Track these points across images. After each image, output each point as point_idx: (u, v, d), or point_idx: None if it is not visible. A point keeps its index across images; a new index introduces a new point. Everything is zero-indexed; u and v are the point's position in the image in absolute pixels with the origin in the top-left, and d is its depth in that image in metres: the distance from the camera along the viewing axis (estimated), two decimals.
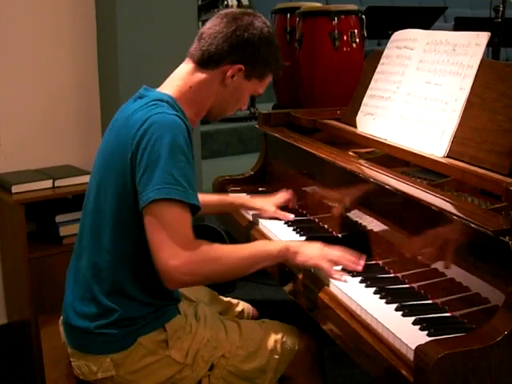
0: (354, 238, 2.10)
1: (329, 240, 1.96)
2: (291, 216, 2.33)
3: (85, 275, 1.90)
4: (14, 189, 3.01)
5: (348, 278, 1.83)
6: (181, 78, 1.94)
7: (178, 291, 1.97)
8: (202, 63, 1.92)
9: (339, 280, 1.81)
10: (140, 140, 1.74)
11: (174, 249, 1.70)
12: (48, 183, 3.09)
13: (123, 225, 1.83)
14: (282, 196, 2.40)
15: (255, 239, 2.28)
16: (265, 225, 2.31)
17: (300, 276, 1.96)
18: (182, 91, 1.92)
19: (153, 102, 1.82)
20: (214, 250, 1.82)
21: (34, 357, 3.00)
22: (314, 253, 1.88)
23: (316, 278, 1.89)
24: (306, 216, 2.41)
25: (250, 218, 2.42)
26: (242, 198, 2.50)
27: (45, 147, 3.32)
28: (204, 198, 2.19)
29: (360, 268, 1.86)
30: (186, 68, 1.95)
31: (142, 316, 1.86)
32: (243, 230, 2.42)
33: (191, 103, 1.93)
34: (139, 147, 1.74)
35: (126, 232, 1.84)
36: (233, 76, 1.92)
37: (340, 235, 2.17)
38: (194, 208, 1.76)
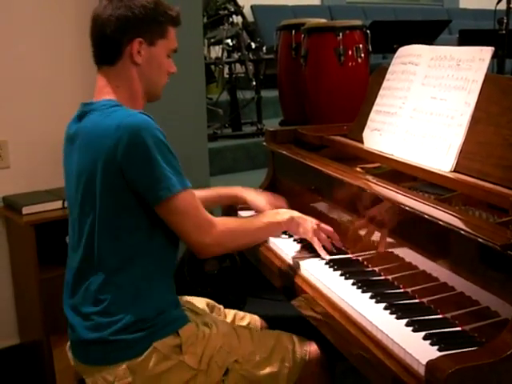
0: (360, 253, 2.11)
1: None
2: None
3: (89, 286, 1.92)
4: (25, 210, 3.04)
5: (358, 293, 1.85)
6: (104, 85, 1.98)
7: (173, 297, 2.02)
8: (107, 61, 1.96)
9: (324, 257, 2.10)
10: (123, 149, 1.80)
11: (200, 229, 1.91)
12: (58, 204, 3.11)
13: (121, 227, 1.89)
14: (275, 197, 2.49)
15: (262, 254, 2.30)
16: (275, 242, 2.32)
17: (308, 291, 1.97)
18: (115, 93, 1.96)
19: (111, 110, 1.88)
20: (234, 222, 2.10)
21: (46, 376, 3.01)
22: (310, 227, 2.14)
23: (324, 294, 1.90)
24: None
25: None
26: (235, 189, 2.52)
27: (54, 168, 3.33)
28: (200, 193, 2.25)
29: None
30: (101, 76, 1.99)
31: (152, 318, 1.88)
32: None
33: (130, 99, 1.98)
34: (124, 156, 1.80)
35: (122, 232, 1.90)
36: (139, 52, 1.94)
37: (349, 251, 2.18)
38: None
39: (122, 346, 1.86)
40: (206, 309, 2.25)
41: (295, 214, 2.17)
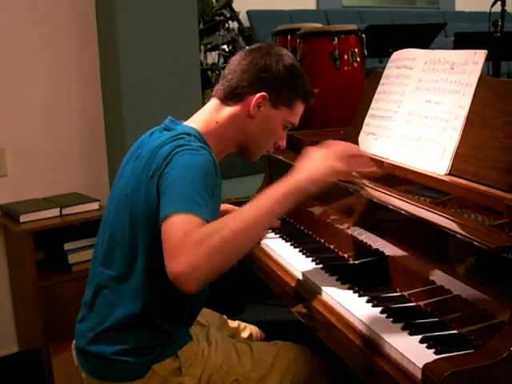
0: (358, 257, 2.11)
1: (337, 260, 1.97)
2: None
3: (99, 303, 1.91)
4: (22, 218, 3.04)
5: (355, 297, 1.85)
6: (207, 113, 1.95)
7: (189, 315, 1.95)
8: (226, 98, 1.94)
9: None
10: (164, 168, 1.70)
11: (171, 255, 1.49)
12: (55, 211, 3.11)
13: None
14: None
15: (259, 259, 2.30)
16: (268, 244, 2.33)
17: (306, 296, 1.97)
18: (209, 126, 1.92)
19: (180, 136, 1.80)
20: (211, 228, 1.53)
21: None
22: (324, 165, 1.73)
23: (322, 299, 1.90)
24: (312, 236, 2.42)
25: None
26: (226, 206, 2.33)
27: (51, 176, 3.35)
28: None
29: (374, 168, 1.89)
30: (211, 104, 1.97)
31: (157, 344, 1.86)
32: None
33: (218, 138, 1.93)
34: (162, 173, 1.69)
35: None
36: (259, 106, 1.92)
37: (346, 255, 2.18)
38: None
39: (123, 367, 1.85)
40: (211, 322, 2.22)
41: (300, 172, 1.72)
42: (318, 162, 1.74)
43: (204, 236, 1.48)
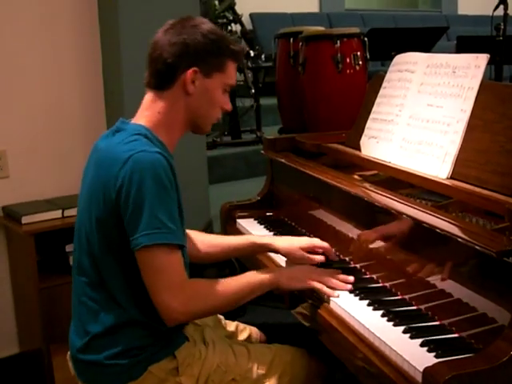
0: (359, 261, 2.11)
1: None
2: (320, 258, 2.08)
3: (81, 311, 1.92)
4: (24, 220, 3.04)
5: (356, 300, 1.85)
6: (147, 107, 1.95)
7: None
8: (159, 86, 1.93)
9: (332, 296, 1.89)
10: (122, 183, 1.75)
11: (169, 291, 1.76)
12: (57, 213, 3.11)
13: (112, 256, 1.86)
14: (309, 240, 2.14)
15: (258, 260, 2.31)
16: None
17: (307, 299, 1.98)
18: (154, 119, 1.92)
19: (133, 138, 1.83)
20: (208, 286, 1.87)
21: None
22: (305, 275, 1.96)
23: (322, 302, 1.91)
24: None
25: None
26: (264, 239, 2.24)
27: (53, 177, 3.35)
28: (228, 240, 2.25)
29: (349, 287, 1.93)
30: (148, 97, 1.96)
31: (149, 344, 1.87)
32: None
33: (166, 127, 1.93)
34: (122, 190, 1.75)
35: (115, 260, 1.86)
36: (193, 82, 1.90)
37: (347, 258, 2.18)
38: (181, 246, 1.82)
39: (117, 371, 1.85)
40: (207, 322, 2.21)
41: (284, 269, 2.08)
42: (304, 271, 2.00)
43: (199, 294, 1.84)
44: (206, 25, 1.93)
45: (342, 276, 1.97)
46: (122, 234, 1.79)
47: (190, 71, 1.89)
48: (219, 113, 2.02)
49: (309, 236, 2.42)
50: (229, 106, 2.03)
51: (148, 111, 1.94)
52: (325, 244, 2.11)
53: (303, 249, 2.07)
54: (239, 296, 1.90)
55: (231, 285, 1.90)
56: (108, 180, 1.79)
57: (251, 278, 1.95)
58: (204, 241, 2.21)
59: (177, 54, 1.88)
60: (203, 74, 1.91)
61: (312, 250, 2.08)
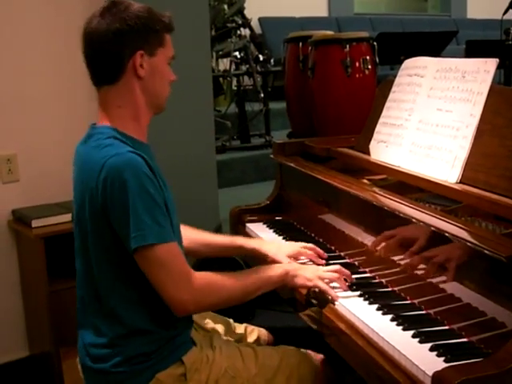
0: (368, 265, 2.12)
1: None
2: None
3: (86, 323, 1.93)
4: (34, 223, 3.05)
5: (365, 305, 1.86)
6: (105, 106, 1.91)
7: (185, 318, 1.95)
8: (109, 80, 1.89)
9: (336, 299, 1.92)
10: (104, 189, 1.75)
11: (177, 285, 1.78)
12: (67, 217, 3.11)
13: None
14: (297, 246, 2.24)
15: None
16: None
17: (312, 300, 1.98)
18: (116, 115, 1.89)
19: (107, 142, 1.82)
20: (218, 279, 1.89)
21: None
22: (310, 275, 1.99)
23: (331, 305, 1.91)
24: (322, 242, 2.42)
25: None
26: (252, 242, 2.31)
27: (63, 181, 3.34)
28: (213, 238, 2.26)
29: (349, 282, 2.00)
30: (102, 95, 1.92)
31: (154, 350, 1.86)
32: None
33: (132, 118, 1.91)
34: (106, 197, 1.75)
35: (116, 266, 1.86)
36: (141, 65, 1.87)
37: (356, 263, 2.18)
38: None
39: (123, 378, 1.85)
40: (216, 327, 2.22)
41: (292, 266, 2.07)
42: (310, 270, 2.03)
43: (210, 286, 1.87)
44: (134, 5, 1.88)
45: (345, 271, 2.03)
46: (116, 241, 1.79)
47: (136, 56, 1.85)
48: (169, 86, 1.99)
49: (317, 240, 2.43)
50: (174, 77, 2.00)
51: (108, 109, 1.90)
52: (310, 245, 2.24)
53: (289, 256, 2.18)
54: (248, 291, 1.94)
55: (241, 280, 1.94)
56: (89, 189, 1.80)
57: (261, 273, 1.99)
58: (187, 236, 2.16)
59: (119, 43, 1.83)
60: (148, 54, 1.87)
61: (299, 256, 2.21)
